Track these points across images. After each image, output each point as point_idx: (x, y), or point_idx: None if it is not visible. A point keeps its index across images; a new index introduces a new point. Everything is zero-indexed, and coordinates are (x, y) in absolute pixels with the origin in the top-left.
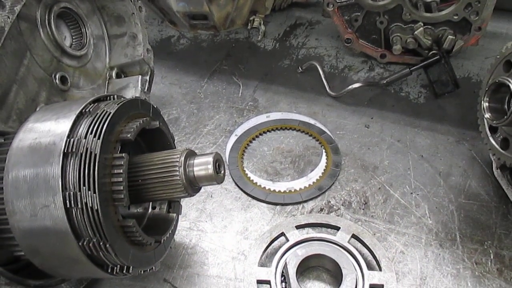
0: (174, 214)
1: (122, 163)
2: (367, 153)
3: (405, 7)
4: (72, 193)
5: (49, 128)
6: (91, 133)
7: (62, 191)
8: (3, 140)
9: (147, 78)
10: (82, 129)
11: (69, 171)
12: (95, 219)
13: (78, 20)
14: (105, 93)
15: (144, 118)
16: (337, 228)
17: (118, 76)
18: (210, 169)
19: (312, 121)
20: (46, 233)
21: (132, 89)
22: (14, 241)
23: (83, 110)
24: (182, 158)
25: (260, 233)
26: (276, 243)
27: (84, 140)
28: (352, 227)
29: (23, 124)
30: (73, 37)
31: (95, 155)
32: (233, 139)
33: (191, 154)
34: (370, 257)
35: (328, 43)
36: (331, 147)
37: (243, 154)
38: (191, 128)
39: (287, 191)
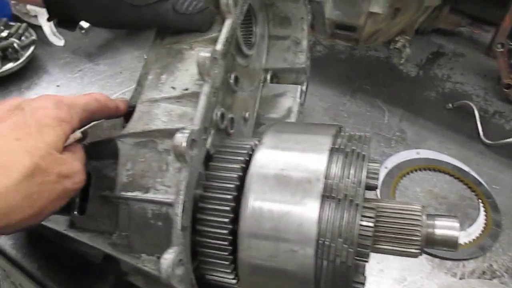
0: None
1: (373, 215)
2: None
3: None
4: (326, 243)
5: (298, 162)
6: (348, 177)
7: (317, 239)
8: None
9: (304, 88)
10: (335, 169)
11: (325, 218)
12: (342, 275)
13: (252, 17)
14: (258, 97)
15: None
16: None
17: (271, 80)
18: (455, 234)
19: (466, 168)
20: (281, 277)
21: (290, 99)
22: (234, 271)
23: (334, 146)
24: (425, 216)
25: (420, 286)
26: None
27: (342, 184)
28: None
29: (259, 148)
30: (244, 35)
31: (357, 204)
32: (383, 171)
33: (431, 213)
34: None
35: (475, 81)
36: (489, 203)
37: (395, 191)
38: None
39: None
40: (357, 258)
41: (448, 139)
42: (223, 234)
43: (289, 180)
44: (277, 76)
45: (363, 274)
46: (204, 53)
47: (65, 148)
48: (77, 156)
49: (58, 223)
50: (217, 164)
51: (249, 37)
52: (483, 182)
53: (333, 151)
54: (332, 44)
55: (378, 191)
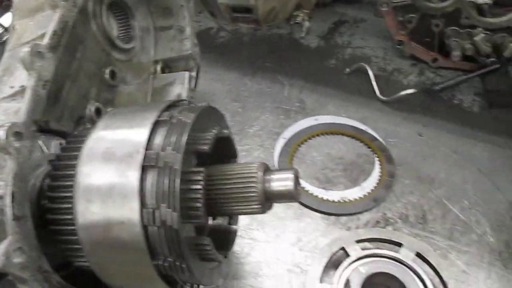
0: (235, 227)
1: (201, 178)
2: (422, 164)
3: (465, 11)
4: (150, 210)
5: (123, 138)
6: (169, 144)
7: (140, 207)
8: (64, 143)
9: (194, 74)
10: (159, 140)
11: (147, 186)
12: (172, 238)
13: (127, 12)
14: (150, 88)
15: (217, 127)
16: (399, 245)
17: (163, 70)
18: (290, 185)
19: (362, 127)
20: (119, 250)
21: (179, 86)
22: (80, 253)
23: (158, 119)
24: (260, 173)
25: (315, 245)
26: (334, 257)
27: (162, 152)
28: (415, 244)
29: (92, 130)
30: (121, 30)
31: (175, 169)
32: (281, 142)
33: (267, 168)
34: (433, 276)
35: (375, 43)
36: (384, 156)
37: (292, 159)
38: (236, 128)
39: (341, 201)
40: (189, 220)
41: (347, 102)
42: (70, 219)
43: (114, 156)
44: (169, 66)
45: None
46: (26, 48)
47: None
48: None
49: None
50: (64, 154)
51: (127, 31)
52: (378, 138)
53: (158, 123)
54: (236, 29)
55: (276, 161)
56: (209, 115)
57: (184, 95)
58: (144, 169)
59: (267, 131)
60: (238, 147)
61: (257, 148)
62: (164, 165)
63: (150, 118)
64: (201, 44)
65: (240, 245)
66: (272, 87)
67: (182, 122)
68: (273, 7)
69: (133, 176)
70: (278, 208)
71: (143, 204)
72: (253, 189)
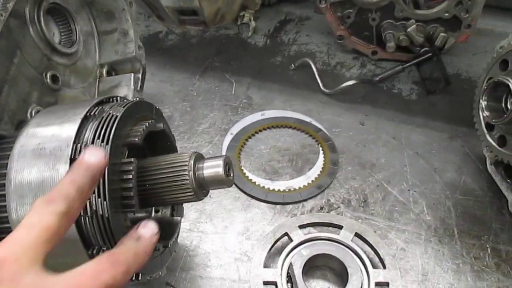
0: (179, 218)
1: (132, 168)
2: (363, 151)
3: (398, 4)
4: None
5: (53, 133)
6: (98, 137)
7: None
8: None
9: (140, 76)
10: (88, 133)
11: None
12: (105, 227)
13: (67, 16)
14: (96, 92)
15: (150, 121)
16: (340, 227)
17: (109, 74)
18: (220, 171)
19: (307, 119)
20: None
21: (125, 88)
22: None
23: (88, 114)
24: (192, 161)
25: (262, 233)
26: (279, 244)
27: (92, 145)
28: (355, 226)
29: (23, 129)
30: (62, 34)
31: None
32: (229, 137)
33: (199, 157)
34: (373, 255)
35: (319, 40)
36: (328, 145)
37: (240, 153)
38: (185, 127)
39: (287, 190)
40: (122, 210)
41: (292, 96)
42: (5, 217)
43: (44, 152)
44: (115, 69)
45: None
46: None
47: None
48: None
49: None
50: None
51: (69, 35)
52: (322, 128)
53: (88, 118)
54: (185, 31)
55: None
56: (144, 110)
57: (130, 96)
58: (73, 162)
59: (215, 128)
60: (188, 145)
61: (206, 145)
62: None
63: (80, 113)
64: (151, 48)
65: (189, 239)
66: (220, 86)
67: (112, 116)
68: (218, 8)
69: (62, 169)
70: (226, 200)
71: None
72: (185, 177)
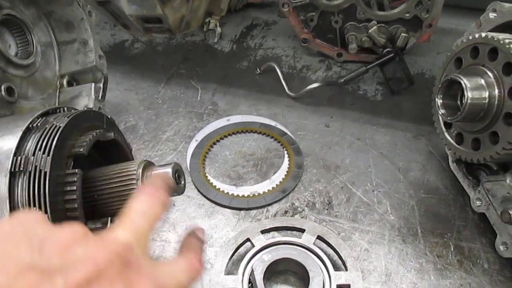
0: None
1: (75, 179)
2: (328, 153)
3: (359, 6)
4: None
5: None
6: (39, 149)
7: (10, 213)
8: None
9: (101, 85)
10: (30, 145)
11: (17, 191)
12: None
13: (23, 27)
14: (56, 103)
15: (98, 130)
16: (302, 231)
17: (70, 84)
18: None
19: (273, 123)
20: None
21: (85, 98)
22: None
23: (30, 125)
24: (140, 170)
25: (226, 240)
26: (241, 250)
27: (33, 157)
28: (317, 229)
29: None
30: (19, 46)
31: (45, 172)
32: (193, 144)
33: (149, 165)
34: (335, 258)
35: (285, 43)
36: (293, 148)
37: (204, 160)
38: (149, 135)
39: (251, 195)
40: (69, 219)
41: (258, 101)
42: None
43: None
44: (76, 79)
45: None
46: None
47: None
48: None
49: None
50: None
51: (25, 47)
52: (287, 132)
53: (30, 129)
54: (151, 39)
55: (188, 163)
56: (92, 120)
57: (91, 106)
58: (13, 175)
59: (180, 135)
60: (152, 153)
61: (170, 153)
62: (34, 169)
63: (22, 125)
64: (116, 56)
65: (151, 248)
66: (186, 93)
67: (56, 126)
68: (183, 15)
69: (2, 183)
70: (190, 208)
71: (13, 209)
72: (133, 187)
